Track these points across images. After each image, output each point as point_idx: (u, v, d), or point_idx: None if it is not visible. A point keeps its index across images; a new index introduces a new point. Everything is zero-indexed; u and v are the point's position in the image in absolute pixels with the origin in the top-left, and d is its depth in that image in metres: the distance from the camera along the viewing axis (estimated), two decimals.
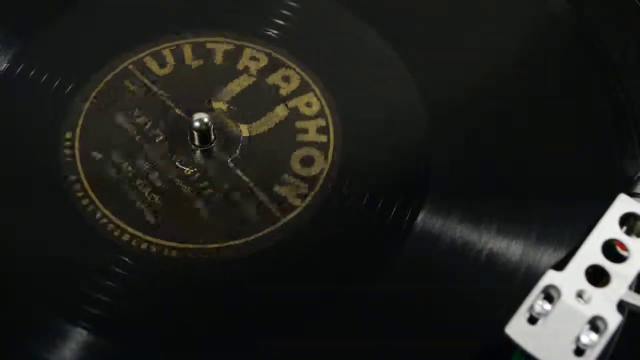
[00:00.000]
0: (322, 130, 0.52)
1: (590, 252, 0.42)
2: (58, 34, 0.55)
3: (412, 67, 0.54)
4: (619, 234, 0.43)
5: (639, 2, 0.55)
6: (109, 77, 0.53)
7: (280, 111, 0.53)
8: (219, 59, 0.54)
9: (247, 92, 0.53)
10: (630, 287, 0.42)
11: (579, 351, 0.40)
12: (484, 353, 0.44)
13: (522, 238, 0.48)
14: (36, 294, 0.46)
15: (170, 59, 0.54)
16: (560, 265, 0.43)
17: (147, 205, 0.49)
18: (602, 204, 0.44)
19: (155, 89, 0.53)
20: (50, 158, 0.50)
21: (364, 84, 0.54)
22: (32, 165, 0.50)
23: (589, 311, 0.41)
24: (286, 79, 0.54)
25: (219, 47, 0.55)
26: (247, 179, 0.50)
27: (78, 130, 0.52)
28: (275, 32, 0.55)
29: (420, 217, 0.48)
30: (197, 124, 0.50)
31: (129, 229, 0.48)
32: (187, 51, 0.55)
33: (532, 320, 0.41)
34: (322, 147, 0.51)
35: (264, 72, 0.54)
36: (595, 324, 0.41)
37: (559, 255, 0.47)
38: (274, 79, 0.54)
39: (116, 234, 0.48)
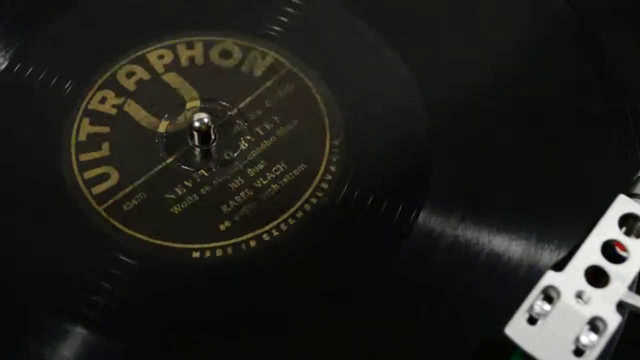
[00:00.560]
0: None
1: (589, 253, 0.42)
2: (58, 33, 0.55)
3: (412, 67, 0.54)
4: (618, 234, 0.43)
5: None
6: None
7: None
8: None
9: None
10: (630, 288, 0.42)
11: (579, 352, 0.40)
12: (484, 353, 0.44)
13: (522, 238, 0.48)
14: (36, 293, 0.46)
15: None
16: (559, 266, 0.43)
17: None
18: (602, 205, 0.44)
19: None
20: (50, 158, 0.50)
21: (364, 84, 0.54)
22: (31, 164, 0.50)
23: (589, 312, 0.41)
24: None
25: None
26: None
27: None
28: (275, 32, 0.55)
29: (420, 217, 0.48)
30: (197, 124, 0.50)
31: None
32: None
33: (532, 320, 0.41)
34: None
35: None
36: (594, 325, 0.41)
37: (559, 255, 0.47)
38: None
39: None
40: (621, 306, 0.41)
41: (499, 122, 0.52)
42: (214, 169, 0.51)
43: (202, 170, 0.50)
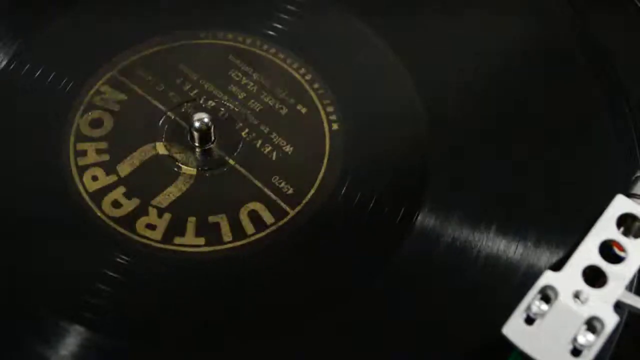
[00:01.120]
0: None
1: (587, 253, 0.42)
2: (58, 32, 0.55)
3: (412, 68, 0.54)
4: (616, 234, 0.43)
5: (639, 3, 0.55)
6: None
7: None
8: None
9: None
10: (629, 289, 0.42)
11: (576, 352, 0.40)
12: (482, 353, 0.44)
13: (521, 238, 0.48)
14: (35, 293, 0.46)
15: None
16: (557, 266, 0.43)
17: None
18: (601, 205, 0.44)
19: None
20: (50, 157, 0.51)
21: (364, 84, 0.54)
22: (31, 164, 0.50)
23: (586, 312, 0.41)
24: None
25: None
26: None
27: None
28: (275, 32, 0.55)
29: (419, 217, 0.48)
30: (197, 124, 0.50)
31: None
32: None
33: (529, 320, 0.41)
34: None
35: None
36: (592, 325, 0.41)
37: (558, 255, 0.47)
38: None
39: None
40: (619, 306, 0.41)
41: (499, 122, 0.52)
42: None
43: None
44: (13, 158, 0.51)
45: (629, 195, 0.44)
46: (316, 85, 0.53)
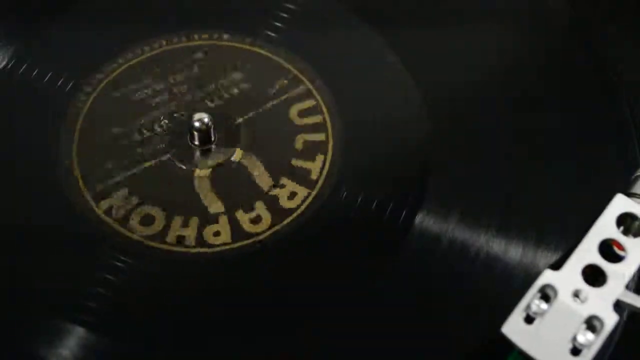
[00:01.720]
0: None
1: (587, 252, 0.42)
2: (58, 32, 0.55)
3: (412, 68, 0.54)
4: (616, 233, 0.43)
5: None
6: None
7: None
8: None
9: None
10: (629, 288, 0.42)
11: (576, 351, 0.40)
12: (482, 352, 0.44)
13: (521, 238, 0.48)
14: (35, 294, 0.46)
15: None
16: (557, 265, 0.43)
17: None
18: (601, 204, 0.44)
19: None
20: (50, 157, 0.51)
21: (364, 84, 0.54)
22: (31, 164, 0.50)
23: (586, 311, 0.41)
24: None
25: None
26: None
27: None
28: (275, 32, 0.55)
29: (419, 217, 0.48)
30: (197, 124, 0.51)
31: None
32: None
33: (529, 319, 0.41)
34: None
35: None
36: (591, 324, 0.40)
37: (558, 255, 0.47)
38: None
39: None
40: (618, 305, 0.41)
41: (498, 122, 0.52)
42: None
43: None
44: (13, 158, 0.51)
45: (629, 194, 0.44)
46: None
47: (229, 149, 0.51)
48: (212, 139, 0.51)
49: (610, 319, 0.40)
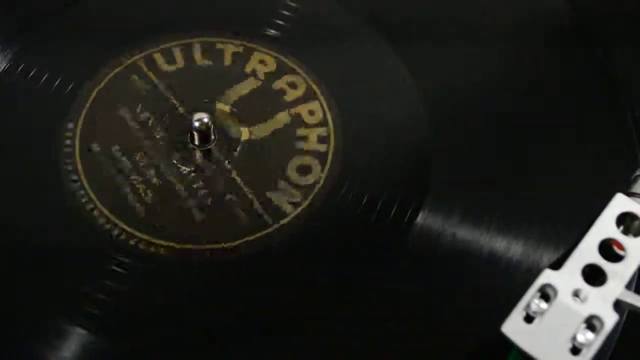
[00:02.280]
0: (322, 129, 0.52)
1: (587, 251, 0.42)
2: (58, 32, 0.55)
3: (412, 68, 0.54)
4: (616, 233, 0.43)
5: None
6: (111, 75, 0.54)
7: (282, 111, 0.53)
8: (227, 60, 0.55)
9: (252, 95, 0.53)
10: (629, 287, 0.42)
11: (575, 350, 0.40)
12: (482, 352, 0.44)
13: (522, 238, 0.48)
14: (36, 293, 0.46)
15: (176, 58, 0.54)
16: (557, 264, 0.43)
17: (147, 205, 0.49)
18: (601, 204, 0.44)
19: (159, 87, 0.53)
20: (50, 158, 0.51)
21: (364, 84, 0.54)
22: (31, 165, 0.51)
23: (585, 310, 0.40)
24: (284, 79, 0.54)
25: (228, 49, 0.55)
26: (244, 181, 0.50)
27: (78, 130, 0.52)
28: (280, 34, 0.55)
29: (420, 217, 0.48)
30: (197, 123, 0.51)
31: (129, 229, 0.48)
32: (195, 51, 0.55)
33: (529, 319, 0.41)
34: (322, 146, 0.51)
35: (267, 74, 0.54)
36: (591, 323, 0.40)
37: (559, 254, 0.47)
38: (278, 82, 0.54)
39: (115, 233, 0.48)
40: (618, 305, 0.41)
41: (499, 121, 0.52)
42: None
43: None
44: (13, 157, 0.51)
45: (629, 194, 0.44)
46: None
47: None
48: (212, 139, 0.51)
49: (610, 319, 0.40)
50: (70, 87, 0.53)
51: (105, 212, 0.49)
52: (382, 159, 0.51)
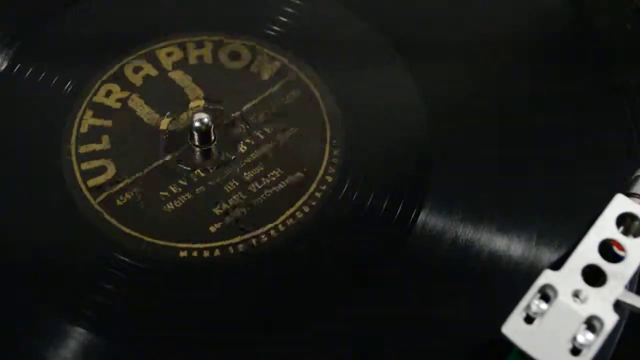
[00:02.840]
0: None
1: (586, 252, 0.42)
2: (58, 32, 0.55)
3: (413, 68, 0.54)
4: (615, 233, 0.43)
5: (639, 3, 0.55)
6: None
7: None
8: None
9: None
10: (630, 288, 0.42)
11: (575, 351, 0.40)
12: (482, 352, 0.44)
13: (522, 238, 0.48)
14: (36, 293, 0.46)
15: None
16: (557, 265, 0.43)
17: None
18: (601, 204, 0.44)
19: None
20: (50, 157, 0.51)
21: (364, 84, 0.54)
22: (31, 164, 0.51)
23: (585, 311, 0.40)
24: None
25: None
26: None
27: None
28: (275, 32, 0.55)
29: (420, 217, 0.48)
30: (197, 124, 0.51)
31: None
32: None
33: (529, 319, 0.41)
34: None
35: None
36: (591, 324, 0.40)
37: (559, 254, 0.47)
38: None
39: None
40: (618, 305, 0.41)
41: (499, 121, 0.52)
42: (210, 170, 0.51)
43: (198, 171, 0.51)
44: (13, 156, 0.51)
45: (629, 194, 0.44)
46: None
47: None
48: (212, 139, 0.51)
49: (610, 319, 0.40)
50: (70, 86, 0.53)
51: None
52: (382, 160, 0.51)
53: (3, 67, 0.54)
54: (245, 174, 0.50)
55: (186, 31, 0.56)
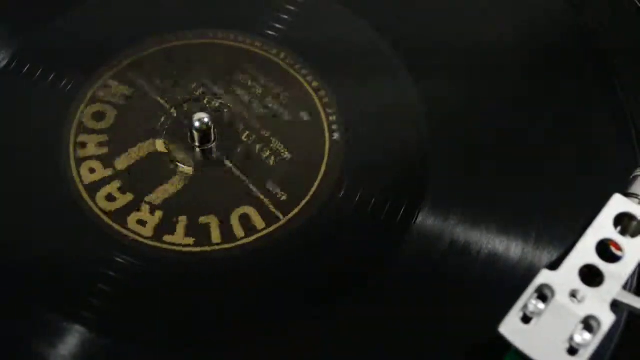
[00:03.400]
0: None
1: (584, 252, 0.42)
2: (58, 31, 0.55)
3: (412, 68, 0.54)
4: (613, 234, 0.43)
5: (639, 3, 0.55)
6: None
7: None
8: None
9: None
10: (629, 288, 0.42)
11: (573, 350, 0.40)
12: (479, 352, 0.44)
13: (522, 238, 0.48)
14: (35, 293, 0.46)
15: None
16: (554, 265, 0.43)
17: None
18: (600, 205, 0.44)
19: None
20: (50, 157, 0.51)
21: (364, 84, 0.54)
22: (31, 164, 0.51)
23: (583, 311, 0.41)
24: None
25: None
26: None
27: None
28: (275, 32, 0.55)
29: (420, 217, 0.48)
30: (197, 123, 0.51)
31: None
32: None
33: (526, 319, 0.41)
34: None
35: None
36: (588, 324, 0.41)
37: (558, 255, 0.47)
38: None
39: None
40: (616, 305, 0.41)
41: (498, 122, 0.52)
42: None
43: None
44: (13, 156, 0.51)
45: (627, 194, 0.44)
46: (316, 85, 0.53)
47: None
48: (212, 139, 0.51)
49: (607, 319, 0.40)
50: (70, 86, 0.53)
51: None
52: (381, 160, 0.51)
53: (2, 65, 0.54)
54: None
55: (186, 30, 0.55)
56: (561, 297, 0.41)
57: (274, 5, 0.56)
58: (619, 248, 0.43)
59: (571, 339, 0.40)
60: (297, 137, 0.52)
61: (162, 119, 0.52)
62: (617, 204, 0.43)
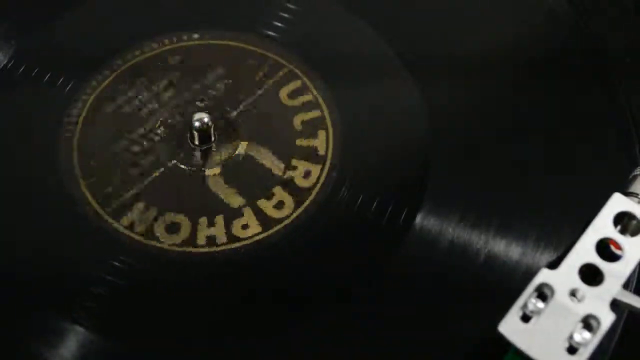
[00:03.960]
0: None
1: (584, 251, 0.42)
2: (59, 31, 0.56)
3: (412, 68, 0.54)
4: (613, 232, 0.43)
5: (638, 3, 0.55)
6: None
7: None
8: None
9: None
10: (628, 287, 0.42)
11: (572, 349, 0.40)
12: (479, 351, 0.44)
13: (521, 238, 0.48)
14: (35, 293, 0.46)
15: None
16: (554, 264, 0.43)
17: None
18: (600, 204, 0.44)
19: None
20: (50, 157, 0.51)
21: (364, 85, 0.54)
22: (31, 164, 0.51)
23: (582, 310, 0.41)
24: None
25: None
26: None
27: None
28: (275, 32, 0.55)
29: (419, 217, 0.48)
30: (197, 123, 0.51)
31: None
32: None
33: (526, 318, 0.41)
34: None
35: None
36: (588, 323, 0.40)
37: (558, 254, 0.47)
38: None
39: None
40: (615, 304, 0.41)
41: (498, 122, 0.52)
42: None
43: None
44: (13, 156, 0.51)
45: (626, 193, 0.44)
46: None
47: (230, 144, 0.51)
48: (212, 138, 0.51)
49: (607, 318, 0.40)
50: (71, 86, 0.53)
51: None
52: (381, 161, 0.51)
53: (2, 65, 0.54)
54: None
55: (186, 31, 0.56)
56: (561, 296, 0.41)
57: (274, 5, 0.56)
58: (618, 247, 0.42)
59: (571, 338, 0.40)
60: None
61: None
62: (617, 203, 0.43)
